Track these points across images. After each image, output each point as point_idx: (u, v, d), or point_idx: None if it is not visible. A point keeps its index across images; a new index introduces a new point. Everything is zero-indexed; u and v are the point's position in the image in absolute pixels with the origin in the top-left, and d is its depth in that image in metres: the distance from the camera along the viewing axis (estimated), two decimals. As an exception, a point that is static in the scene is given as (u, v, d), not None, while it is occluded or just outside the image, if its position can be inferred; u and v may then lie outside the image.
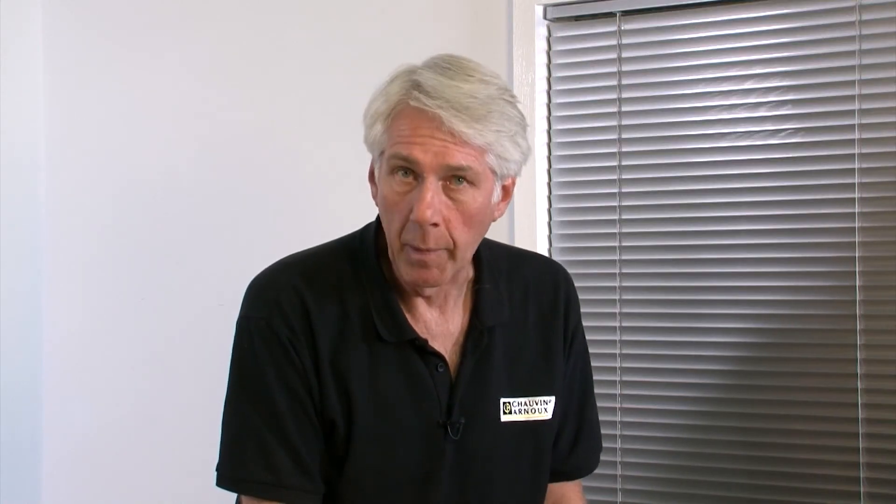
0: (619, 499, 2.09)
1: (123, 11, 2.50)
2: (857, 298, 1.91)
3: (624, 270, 2.10)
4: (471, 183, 1.30)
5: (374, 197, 1.38)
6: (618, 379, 2.09)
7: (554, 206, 2.16)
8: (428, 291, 1.38)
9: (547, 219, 2.16)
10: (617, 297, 2.10)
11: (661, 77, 2.07)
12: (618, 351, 2.09)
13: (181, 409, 2.41)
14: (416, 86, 1.30)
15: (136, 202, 2.48)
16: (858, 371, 1.91)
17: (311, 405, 1.35)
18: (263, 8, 2.36)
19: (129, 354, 2.48)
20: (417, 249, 1.30)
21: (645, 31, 2.09)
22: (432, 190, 1.28)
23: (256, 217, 2.36)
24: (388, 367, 1.36)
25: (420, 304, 1.39)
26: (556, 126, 2.15)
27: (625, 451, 2.09)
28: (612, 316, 2.10)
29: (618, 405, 2.09)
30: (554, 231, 2.16)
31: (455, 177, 1.29)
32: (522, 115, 1.34)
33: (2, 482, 2.43)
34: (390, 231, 1.33)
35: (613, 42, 2.10)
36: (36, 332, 2.54)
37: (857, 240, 1.92)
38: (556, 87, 2.15)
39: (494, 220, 1.38)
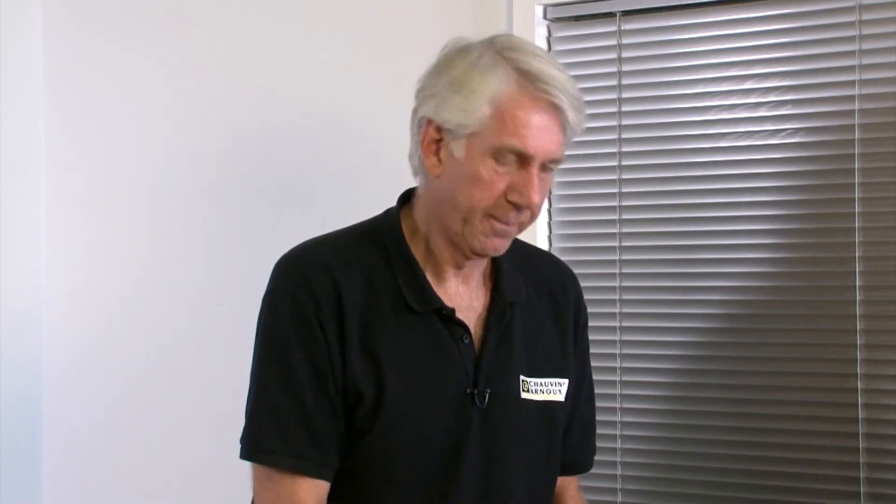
0: (619, 499, 2.09)
1: (124, 11, 2.50)
2: (857, 298, 1.91)
3: (624, 270, 2.10)
4: (553, 169, 1.40)
5: (431, 169, 1.39)
6: (618, 379, 2.09)
7: (554, 206, 2.16)
8: (468, 264, 1.43)
9: (547, 219, 2.16)
10: (617, 297, 2.10)
11: (661, 77, 2.07)
12: (618, 351, 2.09)
13: (182, 408, 2.41)
14: (532, 76, 1.33)
15: (137, 202, 2.48)
16: (858, 371, 1.91)
17: (331, 381, 1.37)
18: (263, 7, 2.36)
19: (129, 354, 2.48)
20: (503, 222, 1.37)
21: (645, 31, 2.08)
22: (538, 176, 1.35)
23: (257, 217, 2.36)
24: (416, 337, 1.40)
25: (449, 278, 1.44)
26: (556, 126, 2.15)
27: (625, 451, 2.09)
28: (612, 316, 2.10)
29: (618, 405, 2.09)
30: (554, 231, 2.16)
31: (548, 166, 1.38)
32: None
33: (2, 482, 2.43)
34: (472, 203, 1.36)
35: (613, 42, 2.10)
36: (36, 331, 2.54)
37: (857, 240, 1.91)
38: (556, 87, 2.15)
39: None
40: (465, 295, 1.45)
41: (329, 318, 1.37)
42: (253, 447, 1.40)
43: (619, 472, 2.09)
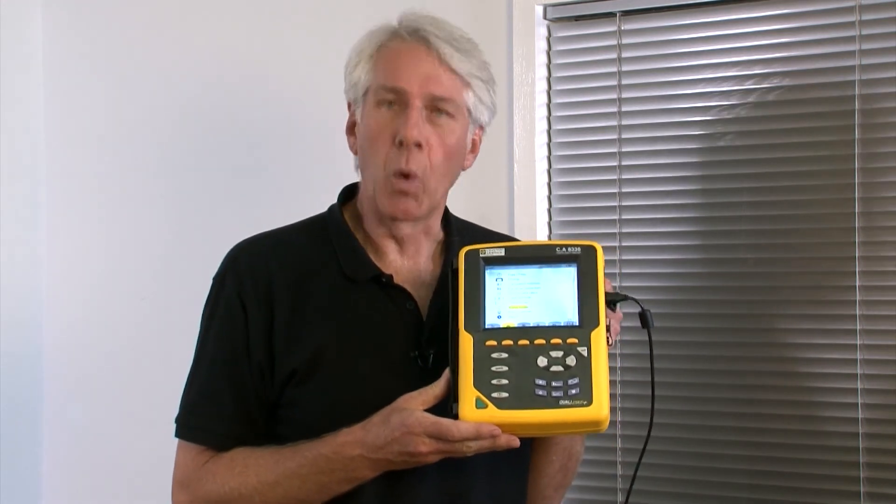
0: (619, 499, 2.09)
1: (123, 11, 2.49)
2: (857, 298, 1.91)
3: (624, 270, 2.10)
4: (450, 116, 1.41)
5: (352, 147, 1.47)
6: (618, 379, 2.09)
7: (554, 205, 2.16)
8: (403, 230, 1.44)
9: (547, 219, 2.16)
10: (617, 297, 2.10)
11: (661, 77, 2.07)
12: (617, 351, 2.08)
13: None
14: (400, 23, 1.42)
15: (137, 202, 2.48)
16: (858, 371, 1.92)
17: (246, 359, 1.41)
18: (262, 6, 2.36)
19: (129, 354, 2.48)
20: (401, 176, 1.39)
21: (645, 31, 2.08)
22: (418, 112, 1.38)
23: (261, 217, 2.34)
24: (355, 305, 1.42)
25: (391, 251, 1.47)
26: (556, 126, 2.15)
27: (625, 451, 2.09)
28: (612, 316, 2.10)
29: (618, 405, 2.09)
30: (554, 231, 2.16)
31: (437, 109, 1.40)
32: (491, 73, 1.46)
33: (2, 482, 2.43)
34: (376, 163, 1.41)
35: (613, 42, 2.10)
36: (36, 331, 2.54)
37: (856, 240, 1.92)
38: (556, 87, 2.15)
39: (464, 170, 1.48)
40: (409, 268, 1.47)
41: (254, 297, 1.42)
42: (177, 420, 1.49)
43: (619, 472, 2.09)
